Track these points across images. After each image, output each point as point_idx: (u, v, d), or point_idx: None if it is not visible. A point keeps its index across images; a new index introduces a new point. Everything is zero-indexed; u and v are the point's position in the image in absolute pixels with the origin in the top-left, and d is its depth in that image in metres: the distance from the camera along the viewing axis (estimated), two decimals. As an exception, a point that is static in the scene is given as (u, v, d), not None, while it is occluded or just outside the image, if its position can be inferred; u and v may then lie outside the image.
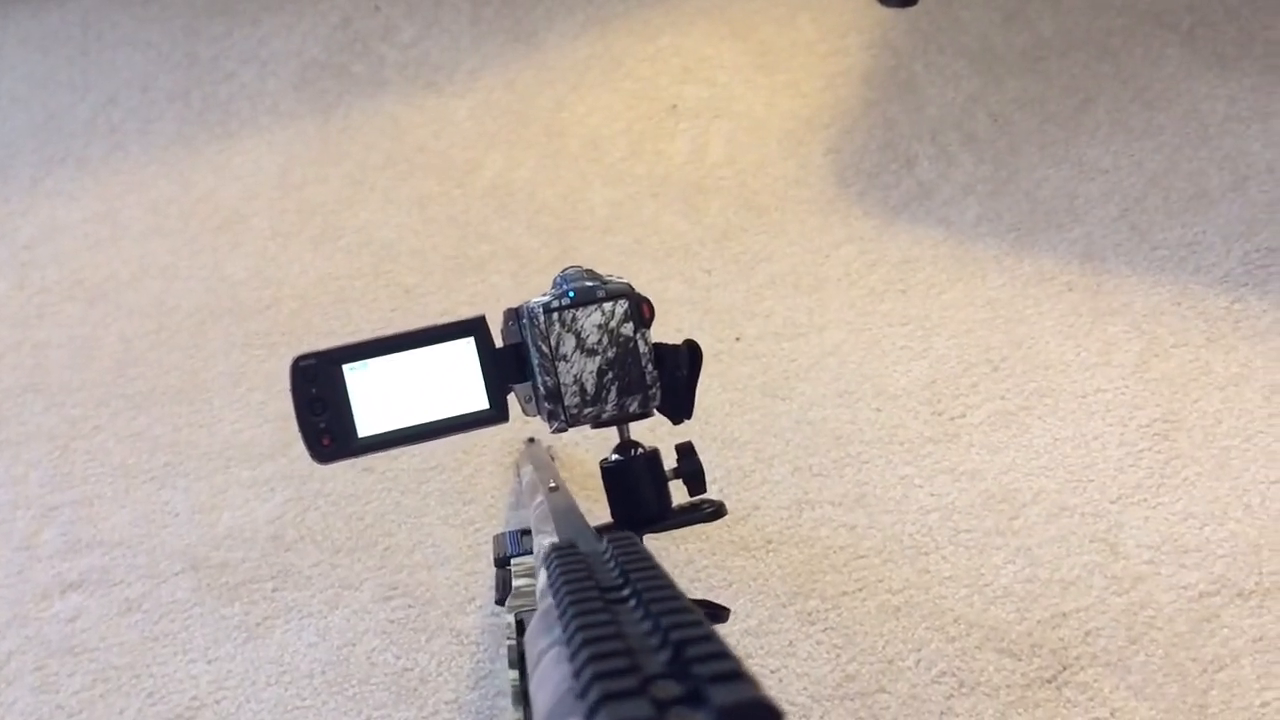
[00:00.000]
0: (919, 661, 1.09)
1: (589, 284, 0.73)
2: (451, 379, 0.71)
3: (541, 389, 0.71)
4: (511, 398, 0.74)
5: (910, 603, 1.14)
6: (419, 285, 1.59)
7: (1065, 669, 1.06)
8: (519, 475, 1.19)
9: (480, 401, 0.72)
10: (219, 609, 1.20)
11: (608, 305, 0.71)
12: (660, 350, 0.75)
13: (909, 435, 1.29)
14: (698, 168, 1.71)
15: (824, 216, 1.58)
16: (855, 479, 1.26)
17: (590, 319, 0.71)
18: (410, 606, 1.19)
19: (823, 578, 1.17)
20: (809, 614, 1.14)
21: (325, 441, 0.71)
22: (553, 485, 0.80)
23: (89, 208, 1.87)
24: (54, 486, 1.37)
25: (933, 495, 1.23)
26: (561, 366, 0.71)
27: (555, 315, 0.70)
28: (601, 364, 0.71)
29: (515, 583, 0.82)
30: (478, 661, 1.14)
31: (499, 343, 0.73)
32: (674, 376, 0.76)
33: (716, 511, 0.80)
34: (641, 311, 0.74)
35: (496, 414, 0.73)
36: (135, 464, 1.38)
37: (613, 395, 0.72)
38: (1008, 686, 1.07)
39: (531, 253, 1.62)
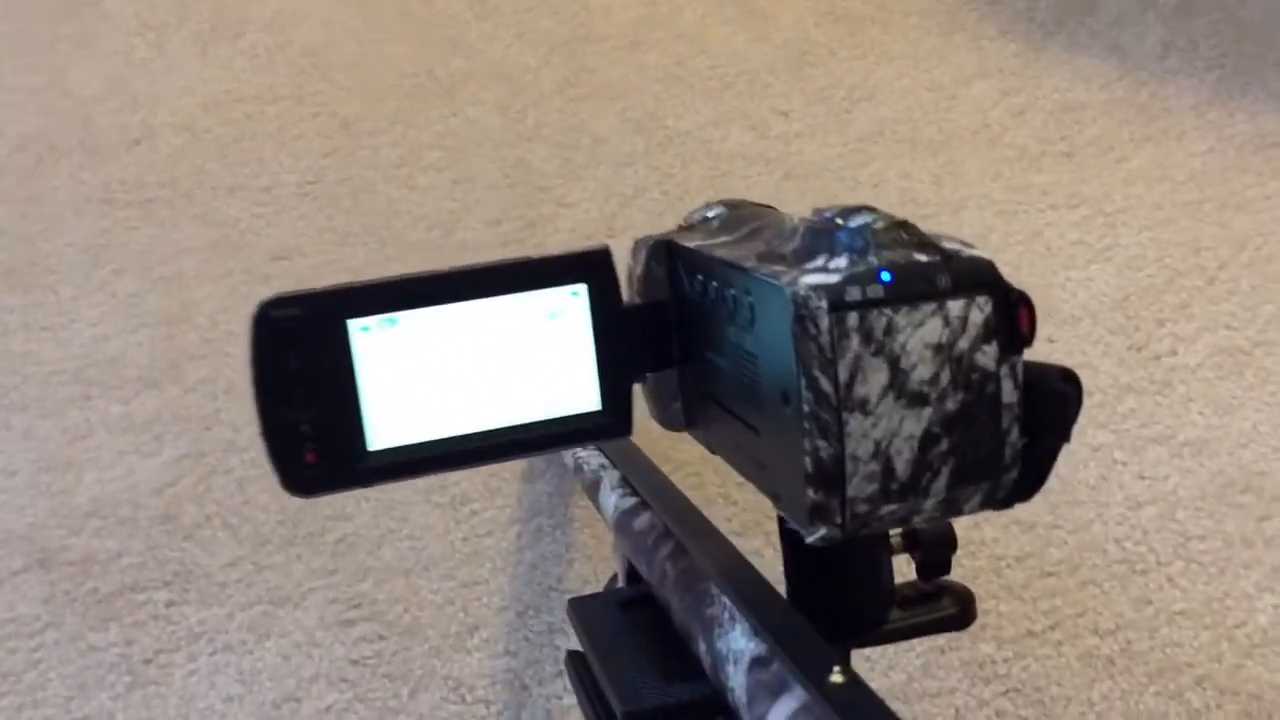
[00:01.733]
0: (1149, 749, 0.76)
1: (917, 256, 0.38)
2: (536, 357, 0.49)
3: (809, 459, 0.38)
4: (638, 393, 0.51)
5: (1128, 652, 0.81)
6: (362, 118, 1.25)
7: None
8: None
9: (585, 397, 0.50)
10: (84, 634, 0.87)
11: (956, 306, 0.38)
12: (1035, 394, 0.40)
13: (1099, 382, 0.97)
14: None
15: (944, 36, 1.30)
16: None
17: (922, 332, 0.38)
18: (381, 638, 0.85)
19: (995, 607, 0.84)
20: (980, 665, 0.80)
21: (309, 457, 0.47)
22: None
23: None
24: None
25: (1144, 479, 0.90)
26: (854, 422, 0.36)
27: (856, 318, 0.37)
28: (932, 422, 0.38)
29: None
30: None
31: (626, 295, 0.51)
32: (1042, 443, 0.40)
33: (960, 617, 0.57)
34: (1017, 321, 0.38)
35: (611, 420, 0.50)
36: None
37: (942, 482, 0.39)
38: (1283, 795, 0.75)
39: (526, 74, 1.28)
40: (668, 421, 0.52)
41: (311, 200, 1.13)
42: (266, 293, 0.46)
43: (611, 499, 0.65)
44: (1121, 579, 0.86)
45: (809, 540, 0.40)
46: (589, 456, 0.72)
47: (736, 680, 0.44)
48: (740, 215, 0.50)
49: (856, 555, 0.54)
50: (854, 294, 0.37)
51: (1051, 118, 1.18)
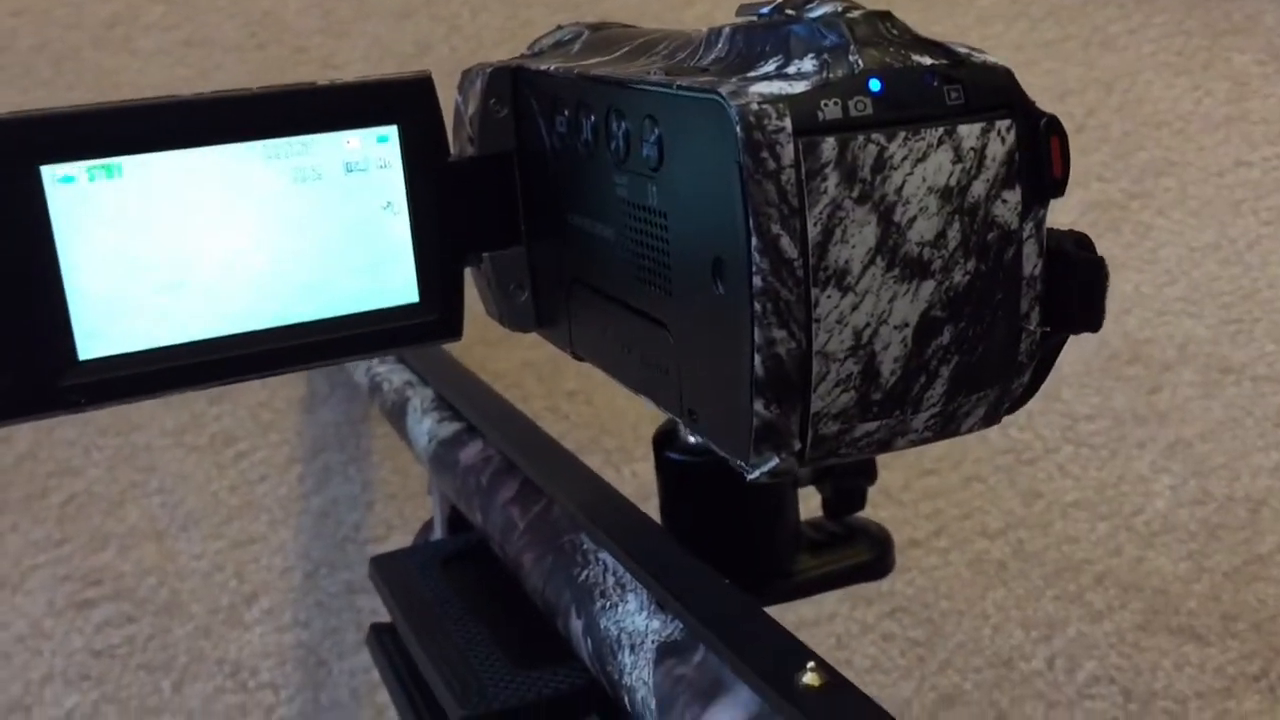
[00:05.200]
0: (1051, 661, 0.71)
1: (916, 59, 0.27)
2: (328, 227, 0.37)
3: (759, 358, 0.27)
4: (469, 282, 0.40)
5: (1020, 553, 0.76)
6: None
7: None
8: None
9: (395, 286, 0.38)
10: None
11: (970, 133, 0.26)
12: (1060, 264, 0.30)
13: None
14: None
15: None
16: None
17: (924, 169, 0.26)
18: (131, 620, 0.71)
19: (873, 515, 0.76)
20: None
21: None
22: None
23: None
24: None
25: None
26: (827, 302, 0.24)
27: (834, 146, 0.25)
28: (933, 303, 0.27)
29: None
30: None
31: (454, 149, 0.38)
32: (1059, 332, 0.31)
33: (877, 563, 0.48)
34: (1048, 157, 0.27)
35: (433, 318, 0.39)
36: None
37: (938, 389, 0.27)
38: (1198, 696, 0.71)
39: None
40: (511, 318, 0.40)
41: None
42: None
43: (424, 426, 0.53)
44: (1008, 471, 0.80)
45: (751, 476, 0.29)
46: (388, 372, 0.59)
47: (638, 675, 0.33)
48: (609, 35, 0.37)
49: (758, 490, 0.44)
50: (831, 110, 0.25)
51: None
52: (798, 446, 0.28)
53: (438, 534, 0.55)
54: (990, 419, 0.30)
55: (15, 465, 0.74)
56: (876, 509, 0.76)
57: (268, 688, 0.71)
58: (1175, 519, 0.78)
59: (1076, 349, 0.83)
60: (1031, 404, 0.83)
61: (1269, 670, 0.73)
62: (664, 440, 0.44)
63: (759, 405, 0.27)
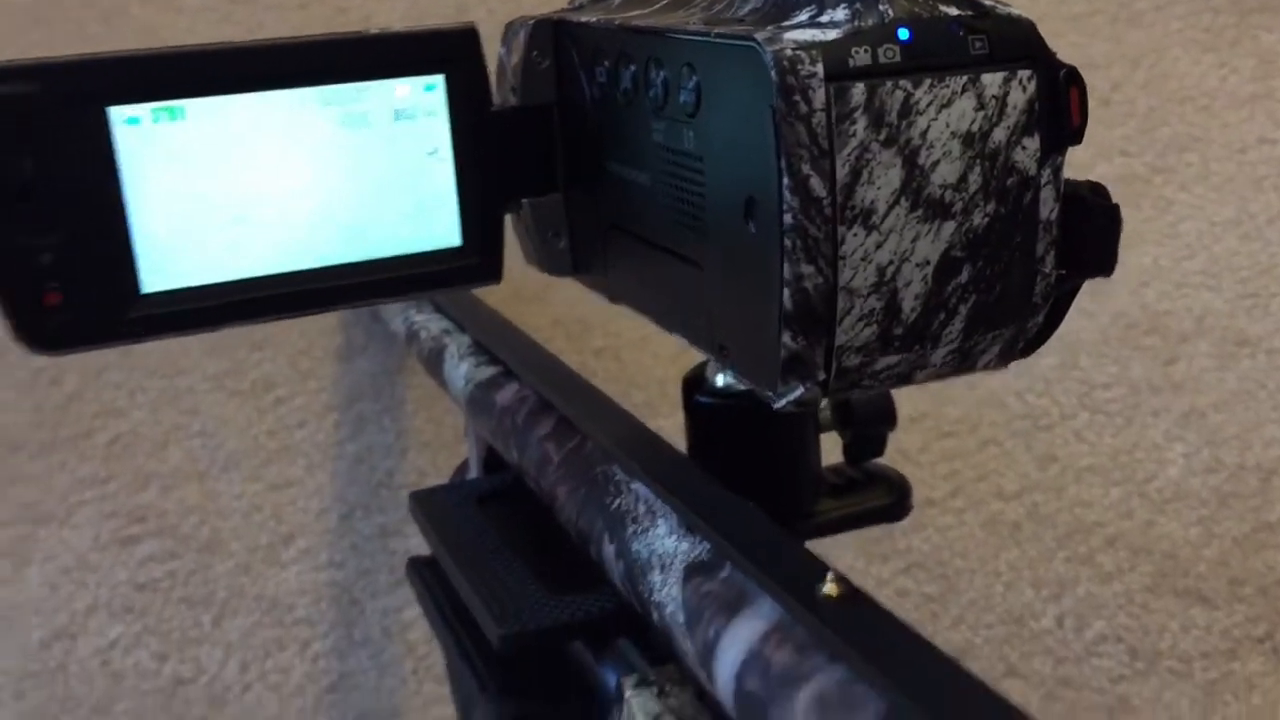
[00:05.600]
0: (1060, 619, 0.73)
1: (943, 9, 0.29)
2: (377, 172, 0.39)
3: (788, 291, 0.29)
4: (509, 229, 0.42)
5: (1034, 515, 0.77)
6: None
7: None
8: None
9: (440, 229, 0.40)
10: None
11: (993, 82, 0.29)
12: (1076, 210, 0.32)
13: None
14: None
15: None
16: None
17: (948, 115, 0.29)
18: (174, 556, 0.75)
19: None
20: (875, 541, 0.76)
21: (51, 298, 0.36)
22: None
23: None
24: None
25: None
26: (854, 240, 0.28)
27: (864, 91, 0.28)
28: (954, 243, 0.29)
29: None
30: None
31: (497, 99, 0.40)
32: (1073, 276, 0.33)
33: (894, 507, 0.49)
34: (1067, 107, 0.30)
35: (475, 261, 0.40)
36: None
37: (957, 325, 0.30)
38: (1203, 656, 0.73)
39: None
40: (549, 263, 0.42)
41: (48, 45, 0.96)
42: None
43: (462, 370, 0.55)
44: (1024, 436, 0.82)
45: (778, 405, 0.31)
46: (426, 320, 0.62)
47: (667, 592, 0.35)
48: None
49: (782, 432, 0.46)
50: (861, 57, 0.27)
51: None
52: (822, 377, 0.31)
53: (473, 474, 0.58)
54: (1005, 357, 0.32)
55: (64, 406, 0.77)
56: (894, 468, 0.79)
57: (303, 623, 0.74)
58: (1187, 486, 0.80)
59: (1095, 319, 0.85)
60: (1049, 371, 0.85)
61: (1274, 633, 0.75)
62: (693, 385, 0.46)
63: (787, 337, 0.29)
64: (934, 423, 0.81)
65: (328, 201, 0.39)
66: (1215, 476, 0.80)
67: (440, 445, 0.77)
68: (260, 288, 0.39)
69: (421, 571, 0.52)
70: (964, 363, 0.31)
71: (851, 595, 0.29)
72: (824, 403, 0.47)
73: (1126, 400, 0.83)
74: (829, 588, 0.29)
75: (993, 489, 0.80)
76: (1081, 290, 0.91)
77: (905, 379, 0.31)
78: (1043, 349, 0.89)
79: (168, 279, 0.38)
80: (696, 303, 0.34)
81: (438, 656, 0.74)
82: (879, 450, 0.49)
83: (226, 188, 0.38)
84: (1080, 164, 0.38)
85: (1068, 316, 0.92)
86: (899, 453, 0.80)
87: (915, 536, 0.78)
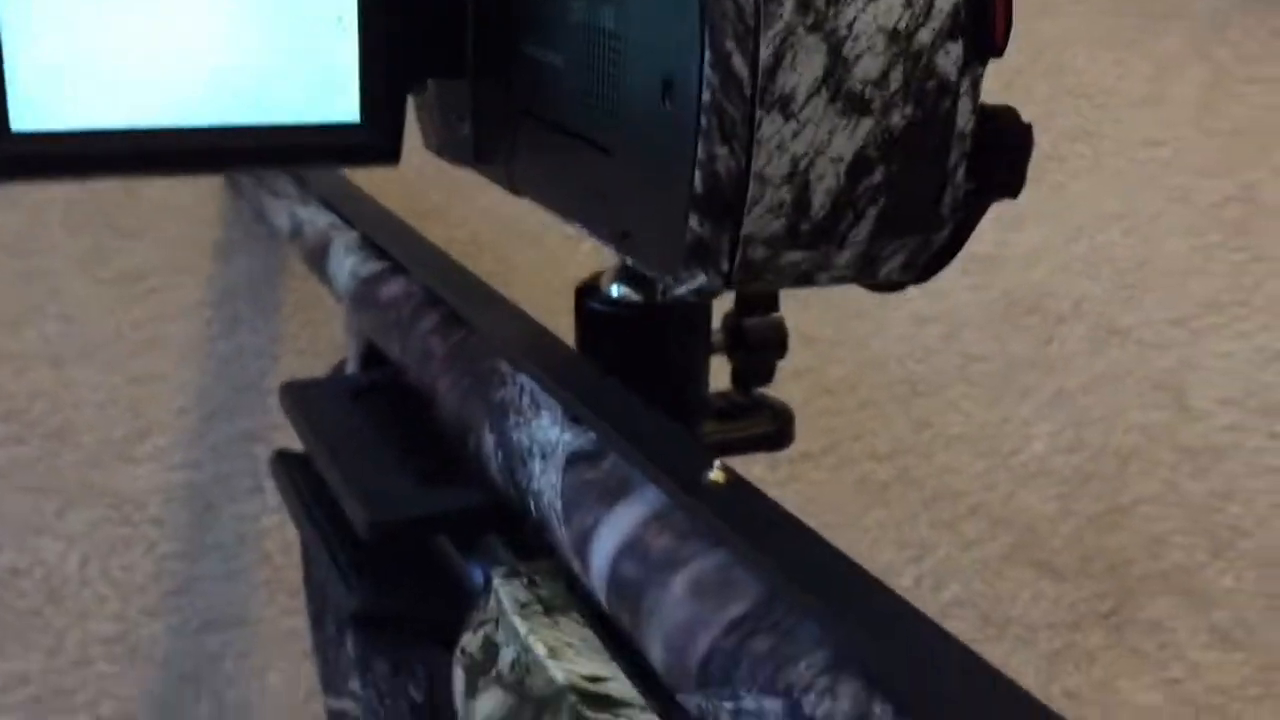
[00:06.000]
0: (919, 580, 0.75)
1: None
2: (277, 33, 0.37)
3: (699, 172, 0.28)
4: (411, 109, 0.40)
5: (903, 478, 0.78)
6: None
7: (1128, 599, 0.74)
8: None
9: (338, 102, 0.37)
10: None
11: None
12: (990, 126, 0.32)
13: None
14: None
15: None
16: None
17: (876, 8, 0.28)
18: (20, 441, 0.73)
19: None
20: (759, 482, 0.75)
21: None
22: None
23: None
24: None
25: (929, 294, 0.86)
26: (770, 125, 0.27)
27: None
28: (869, 141, 0.28)
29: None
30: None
31: None
32: (983, 194, 0.33)
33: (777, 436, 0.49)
34: (991, 19, 0.29)
35: (373, 139, 0.38)
36: None
37: (865, 228, 0.30)
38: (1049, 626, 0.75)
39: None
40: (449, 150, 0.41)
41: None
42: None
43: (347, 264, 0.54)
44: (902, 400, 0.83)
45: (678, 291, 0.30)
46: (313, 215, 0.60)
47: (545, 480, 0.35)
48: None
49: (673, 347, 0.45)
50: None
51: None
52: (725, 267, 0.30)
53: (351, 371, 0.56)
54: (907, 269, 0.32)
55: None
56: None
57: (151, 522, 0.71)
58: (1050, 463, 0.82)
59: (981, 294, 0.87)
60: (932, 340, 0.86)
61: (1118, 610, 0.78)
62: (586, 292, 0.46)
63: (694, 221, 0.29)
64: (817, 379, 0.82)
65: (220, 57, 0.37)
66: (1077, 456, 0.83)
67: (315, 353, 0.75)
68: (143, 140, 0.36)
69: (288, 466, 0.51)
70: (867, 268, 0.31)
71: (737, 482, 0.29)
72: (715, 325, 0.47)
73: (1002, 375, 0.85)
74: (715, 474, 0.29)
75: (867, 449, 0.81)
76: (973, 264, 0.93)
77: (807, 278, 0.31)
78: (928, 318, 0.90)
79: (42, 119, 0.35)
80: (601, 189, 0.33)
81: (293, 568, 0.72)
82: (768, 378, 0.49)
83: (115, 29, 0.35)
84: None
85: (955, 289, 0.92)
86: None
87: (788, 489, 0.79)
